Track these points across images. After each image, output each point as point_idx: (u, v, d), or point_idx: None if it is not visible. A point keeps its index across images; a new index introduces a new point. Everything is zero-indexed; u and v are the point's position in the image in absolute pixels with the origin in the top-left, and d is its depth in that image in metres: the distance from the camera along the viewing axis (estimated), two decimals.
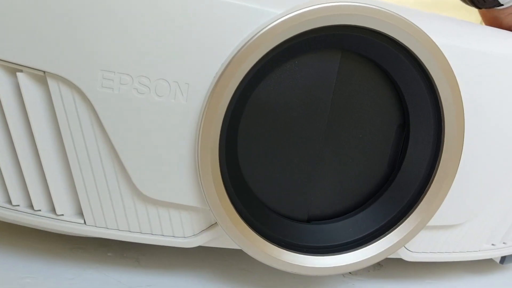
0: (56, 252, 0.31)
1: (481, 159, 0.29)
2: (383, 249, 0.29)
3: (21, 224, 0.29)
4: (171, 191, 0.26)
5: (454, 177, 0.28)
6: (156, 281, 0.30)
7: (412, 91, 0.28)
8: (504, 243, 0.33)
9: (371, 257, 0.28)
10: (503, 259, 0.36)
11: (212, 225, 0.28)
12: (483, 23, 0.40)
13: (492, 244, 0.33)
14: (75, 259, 0.31)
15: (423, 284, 0.35)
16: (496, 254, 0.34)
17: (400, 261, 0.37)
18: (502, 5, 0.34)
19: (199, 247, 0.34)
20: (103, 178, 0.26)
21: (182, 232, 0.27)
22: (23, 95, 0.24)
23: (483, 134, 0.29)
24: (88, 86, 0.24)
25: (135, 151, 0.25)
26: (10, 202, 0.27)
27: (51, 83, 0.24)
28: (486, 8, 0.35)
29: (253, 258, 0.33)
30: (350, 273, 0.35)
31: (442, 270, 0.37)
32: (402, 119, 0.29)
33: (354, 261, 0.28)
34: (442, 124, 0.27)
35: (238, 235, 0.27)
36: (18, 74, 0.24)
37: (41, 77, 0.24)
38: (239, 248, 0.29)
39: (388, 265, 0.37)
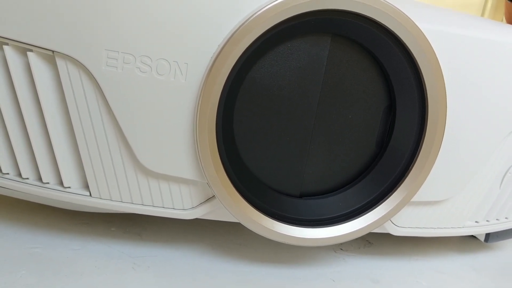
0: (62, 227, 0.33)
1: (463, 138, 0.31)
2: (370, 222, 0.30)
3: (30, 198, 0.31)
4: (171, 165, 0.27)
5: (437, 155, 0.30)
6: (157, 253, 0.32)
7: (398, 74, 0.29)
8: (487, 220, 0.35)
9: (359, 229, 0.30)
10: (487, 237, 0.38)
11: (210, 199, 0.29)
12: (505, 19, 0.41)
13: (476, 221, 0.34)
14: (80, 233, 0.33)
15: (410, 261, 0.36)
16: (479, 231, 0.35)
17: (389, 239, 0.39)
18: None
19: (197, 223, 0.35)
20: (107, 152, 0.27)
21: (181, 204, 0.29)
22: (33, 73, 0.26)
23: (465, 114, 0.30)
24: (93, 65, 0.25)
25: (138, 127, 0.26)
26: (20, 175, 0.28)
27: (59, 62, 0.26)
28: None
29: (247, 234, 0.34)
30: (341, 249, 0.37)
31: (429, 248, 0.39)
32: (389, 100, 0.30)
33: (344, 233, 0.30)
34: (426, 105, 0.29)
35: (234, 207, 0.28)
36: (29, 53, 0.26)
37: (50, 57, 0.26)
38: (235, 221, 0.30)
39: (378, 243, 0.39)
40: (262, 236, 0.36)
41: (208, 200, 0.29)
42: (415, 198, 0.31)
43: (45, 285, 0.26)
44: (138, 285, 0.28)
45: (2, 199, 0.36)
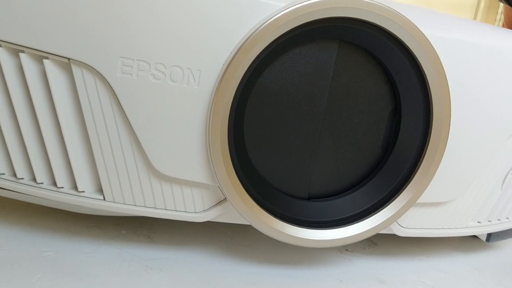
0: (74, 230, 0.34)
1: (466, 142, 0.31)
2: (377, 224, 0.31)
3: (42, 202, 0.31)
4: (184, 169, 0.28)
5: (442, 159, 0.30)
6: (168, 255, 0.32)
7: (403, 79, 0.30)
8: (489, 221, 0.36)
9: (366, 230, 0.31)
10: (489, 237, 0.39)
11: (221, 201, 0.30)
12: (504, 23, 0.42)
13: (478, 222, 0.35)
14: (91, 236, 0.33)
15: (414, 261, 0.37)
16: (482, 231, 0.36)
17: (393, 240, 0.39)
18: None
19: (205, 226, 0.36)
20: (121, 157, 0.28)
21: (193, 207, 0.30)
22: (48, 80, 0.26)
23: (468, 118, 0.31)
24: (109, 72, 0.26)
25: (152, 132, 0.27)
26: (35, 180, 0.29)
27: (75, 69, 0.26)
28: None
29: (255, 236, 0.35)
30: (347, 249, 0.37)
31: (432, 248, 0.40)
32: (394, 105, 0.31)
33: (351, 235, 0.31)
34: (431, 109, 0.30)
35: (245, 209, 0.29)
36: (45, 61, 0.26)
37: (66, 64, 0.26)
38: (245, 223, 0.31)
39: (382, 244, 0.39)
40: (270, 238, 0.36)
41: (219, 203, 0.30)
42: (420, 199, 0.31)
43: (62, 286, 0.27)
44: (153, 285, 0.28)
45: (15, 204, 0.36)
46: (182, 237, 0.35)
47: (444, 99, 0.30)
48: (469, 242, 0.43)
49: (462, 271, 0.37)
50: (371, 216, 0.31)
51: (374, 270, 0.35)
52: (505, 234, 0.39)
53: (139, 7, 0.25)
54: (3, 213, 0.35)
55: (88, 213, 0.33)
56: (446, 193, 0.32)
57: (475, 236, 0.43)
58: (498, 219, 0.36)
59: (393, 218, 0.31)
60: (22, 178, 0.29)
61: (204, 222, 0.37)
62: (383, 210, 0.31)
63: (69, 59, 0.26)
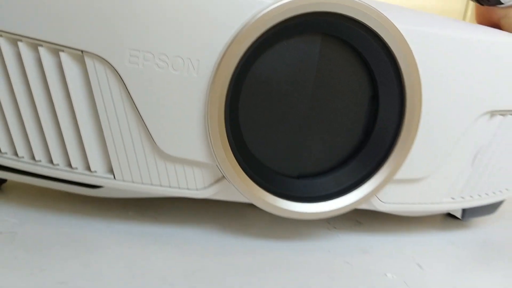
0: (85, 212, 0.37)
1: (437, 123, 0.35)
2: (358, 198, 0.35)
3: (57, 187, 0.35)
4: (186, 149, 0.31)
5: (415, 138, 0.34)
6: (173, 231, 0.36)
7: (380, 68, 0.34)
8: (462, 197, 0.39)
9: (349, 204, 0.34)
10: (464, 214, 0.42)
11: (219, 179, 0.33)
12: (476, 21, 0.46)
13: (452, 198, 0.39)
14: (102, 217, 0.36)
15: (396, 237, 0.41)
16: (455, 207, 0.40)
17: (376, 220, 0.43)
18: (503, 4, 0.39)
19: (206, 208, 0.40)
20: (130, 139, 0.31)
21: (194, 184, 0.33)
22: (64, 71, 0.30)
23: (438, 101, 0.35)
24: (118, 62, 0.29)
25: (157, 116, 0.30)
26: (52, 162, 0.32)
27: (88, 60, 0.30)
28: (488, 5, 0.41)
29: (252, 216, 0.39)
30: (335, 227, 0.41)
31: (413, 227, 0.43)
32: (373, 91, 0.35)
33: (335, 208, 0.34)
34: (404, 94, 0.33)
35: (241, 185, 0.32)
36: (61, 53, 0.30)
37: (79, 56, 0.30)
38: (242, 201, 0.35)
39: (367, 223, 0.43)
40: (265, 219, 0.40)
41: (218, 180, 0.33)
42: (397, 176, 0.35)
43: (79, 257, 0.30)
44: (161, 255, 0.32)
45: (31, 190, 0.39)
46: (185, 217, 0.38)
47: (415, 85, 0.33)
48: (447, 222, 0.46)
49: (439, 245, 0.41)
50: (353, 191, 0.35)
51: (359, 243, 0.38)
52: (479, 212, 0.43)
53: (146, 3, 0.29)
54: (20, 198, 0.38)
55: (98, 195, 0.36)
56: (420, 170, 0.36)
57: (453, 217, 0.47)
58: (471, 196, 0.40)
59: (373, 193, 0.35)
60: (40, 161, 0.32)
61: (205, 205, 0.40)
62: (363, 186, 0.35)
63: (82, 51, 0.29)
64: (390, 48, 0.33)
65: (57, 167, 0.32)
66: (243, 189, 0.32)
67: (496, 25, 0.43)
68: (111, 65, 0.30)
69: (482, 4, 0.43)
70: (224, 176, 0.33)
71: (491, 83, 0.36)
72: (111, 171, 0.32)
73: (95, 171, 0.32)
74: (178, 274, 0.30)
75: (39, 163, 0.32)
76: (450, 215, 0.47)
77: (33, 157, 0.32)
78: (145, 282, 0.28)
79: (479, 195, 0.41)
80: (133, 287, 0.28)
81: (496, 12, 0.42)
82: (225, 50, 0.30)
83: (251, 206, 0.42)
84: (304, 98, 0.33)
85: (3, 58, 0.30)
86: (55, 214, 0.36)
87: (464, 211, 0.42)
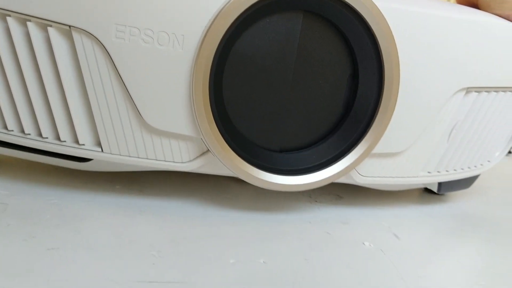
0: (73, 185, 0.38)
1: (413, 99, 0.36)
2: (338, 171, 0.36)
3: (45, 160, 0.36)
4: (172, 123, 0.32)
5: (392, 113, 0.35)
6: (158, 204, 0.37)
7: (360, 46, 0.35)
8: (438, 171, 0.41)
9: (329, 177, 0.36)
10: (440, 187, 0.44)
11: (204, 153, 0.35)
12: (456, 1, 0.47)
13: (428, 172, 0.41)
14: (89, 189, 0.37)
15: (374, 210, 0.42)
16: (432, 180, 0.41)
17: (356, 195, 0.45)
18: None
19: (190, 182, 0.41)
20: (117, 113, 0.32)
21: (180, 157, 0.34)
22: (52, 46, 0.31)
23: (415, 78, 0.36)
24: (105, 37, 0.30)
25: (143, 90, 0.31)
26: (41, 135, 0.33)
27: (75, 35, 0.30)
28: None
29: (235, 190, 0.40)
30: (316, 201, 0.42)
31: (392, 201, 0.45)
32: (353, 68, 0.36)
33: (316, 180, 0.36)
34: (383, 71, 0.35)
35: (225, 158, 0.33)
36: (49, 28, 0.30)
37: (67, 31, 0.30)
38: (226, 174, 0.36)
39: (347, 197, 0.44)
40: (248, 193, 0.41)
41: (203, 154, 0.35)
42: (375, 150, 0.36)
43: (69, 224, 0.31)
44: (147, 225, 0.33)
45: (20, 164, 0.40)
46: (170, 191, 0.40)
47: (394, 62, 0.35)
48: (425, 197, 0.48)
49: (417, 217, 0.42)
50: (333, 165, 0.36)
51: (339, 215, 0.40)
52: (454, 186, 0.45)
53: None
54: (9, 172, 0.39)
55: (86, 169, 0.37)
56: (397, 145, 0.37)
57: (430, 192, 0.48)
58: (447, 170, 0.42)
59: (352, 167, 0.36)
60: (29, 134, 0.33)
61: (190, 180, 0.42)
62: (343, 160, 0.36)
63: (70, 26, 0.30)
64: (369, 25, 0.34)
65: (46, 140, 0.33)
66: (227, 162, 0.34)
67: (475, 5, 0.44)
68: (98, 40, 0.30)
69: None
70: (208, 149, 0.34)
71: (467, 61, 0.38)
72: (99, 144, 0.33)
73: (83, 144, 0.33)
74: (164, 241, 0.31)
75: (28, 136, 0.33)
76: (427, 190, 0.49)
77: (22, 131, 0.33)
78: (133, 248, 0.30)
79: (455, 170, 0.42)
80: (122, 253, 0.29)
81: None
82: (209, 26, 0.31)
83: (234, 180, 0.43)
84: (286, 74, 0.34)
85: None
86: (44, 188, 0.37)
87: (440, 185, 0.44)
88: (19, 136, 0.33)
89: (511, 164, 0.70)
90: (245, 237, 0.34)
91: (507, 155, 0.72)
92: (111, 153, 0.33)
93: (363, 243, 0.35)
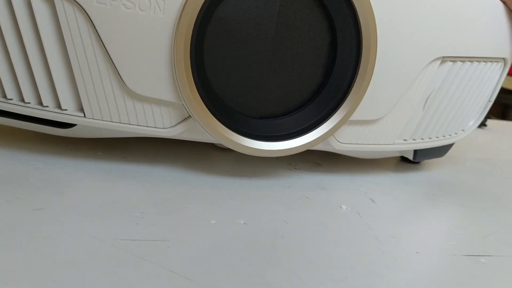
0: (56, 151, 0.38)
1: (391, 67, 0.37)
2: (317, 137, 0.37)
3: (28, 127, 0.36)
4: (154, 88, 0.33)
5: (370, 81, 0.36)
6: (140, 169, 0.38)
7: (338, 14, 0.36)
8: (413, 139, 0.42)
9: (308, 142, 0.37)
10: (415, 155, 0.46)
11: (186, 119, 0.35)
12: None
13: (404, 140, 0.42)
14: (72, 155, 0.38)
15: (352, 176, 0.44)
16: (407, 147, 0.43)
17: (335, 162, 0.46)
18: None
19: (173, 150, 0.41)
20: (99, 78, 0.33)
21: (162, 123, 0.35)
22: (34, 11, 0.31)
23: (393, 47, 0.37)
24: (86, 2, 0.30)
25: (125, 55, 0.32)
26: (23, 100, 0.33)
27: (57, 0, 0.31)
28: None
29: (216, 157, 0.41)
30: (295, 168, 0.44)
31: (370, 169, 0.47)
32: (332, 37, 0.37)
33: (295, 146, 0.37)
34: (361, 39, 0.36)
35: (206, 124, 0.34)
36: None
37: None
38: (207, 140, 0.37)
39: (326, 165, 0.46)
40: (229, 160, 0.42)
41: (184, 120, 0.35)
42: (353, 117, 0.38)
43: (53, 187, 0.32)
44: (129, 188, 0.34)
45: (1, 130, 0.41)
46: (152, 157, 0.40)
47: (371, 31, 0.35)
48: (401, 165, 0.50)
49: (393, 183, 0.44)
50: (312, 131, 0.37)
51: (318, 181, 0.41)
52: (430, 154, 0.46)
53: None
54: None
55: (69, 135, 0.37)
56: (374, 112, 0.39)
57: (406, 161, 0.50)
58: (422, 138, 0.43)
59: (330, 133, 0.37)
60: (12, 99, 0.33)
61: (171, 147, 0.42)
62: (321, 126, 0.37)
63: None
64: None
65: (29, 105, 0.33)
66: (208, 127, 0.34)
67: None
68: (80, 5, 0.31)
69: None
70: (190, 115, 0.35)
71: (442, 30, 0.39)
72: (81, 109, 0.34)
73: (66, 109, 0.34)
74: (147, 203, 0.32)
75: (10, 101, 0.33)
76: (404, 159, 0.51)
77: (4, 96, 0.33)
78: (117, 209, 0.30)
79: (430, 138, 0.44)
80: (105, 213, 0.30)
81: None
82: None
83: (215, 148, 0.44)
84: (266, 41, 0.35)
85: None
86: (27, 154, 0.37)
87: (415, 152, 0.46)
88: (2, 102, 0.33)
89: (484, 134, 0.73)
90: (226, 200, 0.35)
91: (479, 127, 0.74)
92: (93, 118, 0.34)
93: (340, 207, 0.37)
